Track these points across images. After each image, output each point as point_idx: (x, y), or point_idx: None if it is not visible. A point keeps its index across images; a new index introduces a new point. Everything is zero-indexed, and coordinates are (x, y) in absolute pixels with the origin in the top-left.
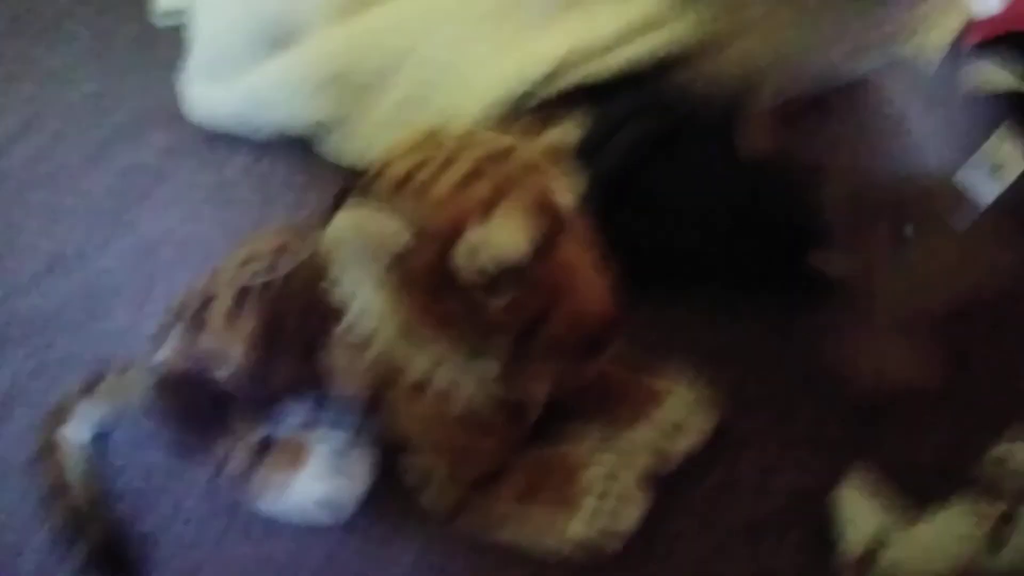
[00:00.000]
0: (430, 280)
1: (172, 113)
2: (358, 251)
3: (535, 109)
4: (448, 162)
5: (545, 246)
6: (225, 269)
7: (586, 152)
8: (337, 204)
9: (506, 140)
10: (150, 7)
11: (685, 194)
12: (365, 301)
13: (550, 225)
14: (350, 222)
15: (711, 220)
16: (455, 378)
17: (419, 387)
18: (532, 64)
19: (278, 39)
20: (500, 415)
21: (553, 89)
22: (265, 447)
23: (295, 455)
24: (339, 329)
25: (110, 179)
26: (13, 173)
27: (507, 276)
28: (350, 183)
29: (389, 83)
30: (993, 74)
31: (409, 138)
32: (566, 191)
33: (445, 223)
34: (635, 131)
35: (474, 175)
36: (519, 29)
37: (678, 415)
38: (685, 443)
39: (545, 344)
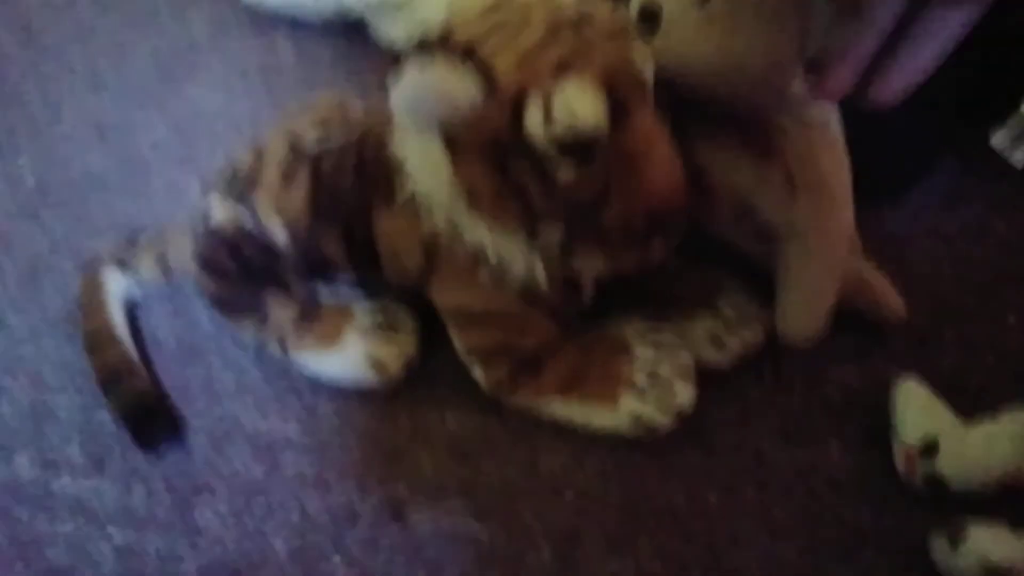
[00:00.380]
0: (499, 145)
1: None
2: (426, 111)
3: None
4: (523, 24)
5: (621, 115)
6: (279, 129)
7: None
8: (403, 65)
9: (586, 5)
10: None
11: None
12: (429, 167)
13: (628, 94)
14: (420, 79)
15: None
16: (514, 251)
17: (477, 258)
18: None
19: None
20: (555, 291)
21: None
22: (312, 306)
23: (343, 317)
24: (398, 195)
25: (155, 52)
26: (58, 44)
27: (580, 143)
28: (417, 45)
29: None
30: None
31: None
32: (645, 60)
33: (519, 84)
34: None
35: (551, 38)
36: None
37: (739, 308)
38: (746, 335)
39: (613, 218)
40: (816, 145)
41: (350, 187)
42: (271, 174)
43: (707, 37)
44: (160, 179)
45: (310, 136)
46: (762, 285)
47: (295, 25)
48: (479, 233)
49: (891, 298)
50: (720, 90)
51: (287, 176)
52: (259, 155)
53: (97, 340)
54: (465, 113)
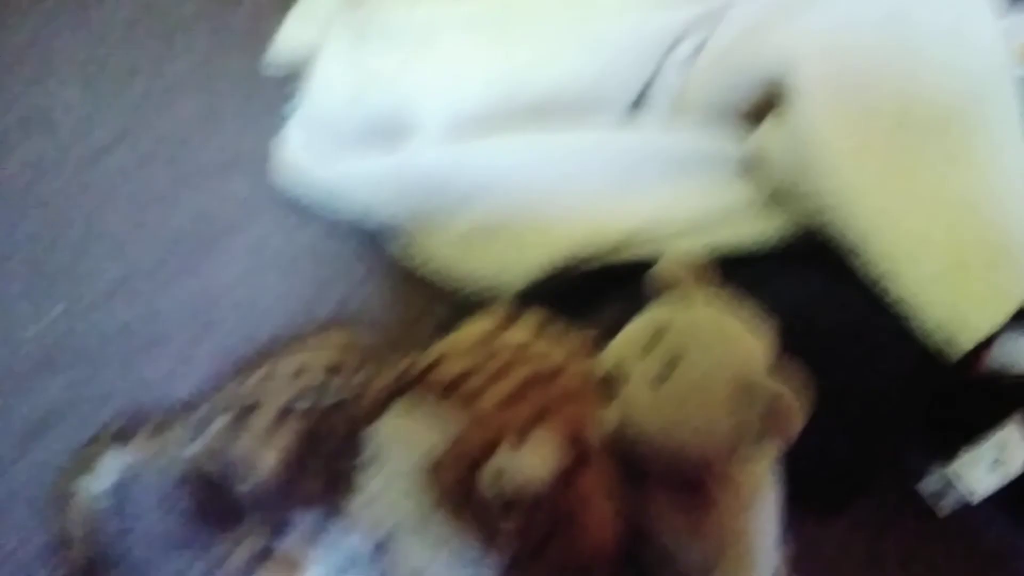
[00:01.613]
0: (454, 488)
1: (261, 159)
2: (397, 450)
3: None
4: (499, 375)
5: (568, 477)
6: (275, 376)
7: None
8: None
9: (556, 359)
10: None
11: None
12: (388, 489)
13: (577, 457)
14: (399, 426)
15: None
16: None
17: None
18: (606, 229)
19: (386, 131)
20: None
21: (615, 258)
22: (264, 556)
23: (290, 571)
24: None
25: (186, 217)
26: (97, 185)
27: (524, 501)
28: (410, 370)
29: (470, 209)
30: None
31: (470, 334)
32: (599, 424)
33: (482, 441)
34: None
35: (519, 395)
36: (625, 187)
37: None
38: None
39: (544, 567)
40: (754, 517)
41: (333, 448)
42: (261, 419)
43: (659, 414)
44: (165, 355)
45: (308, 385)
46: None
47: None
48: (424, 550)
49: None
50: (665, 455)
51: (276, 425)
52: (254, 395)
53: (64, 541)
54: (430, 461)
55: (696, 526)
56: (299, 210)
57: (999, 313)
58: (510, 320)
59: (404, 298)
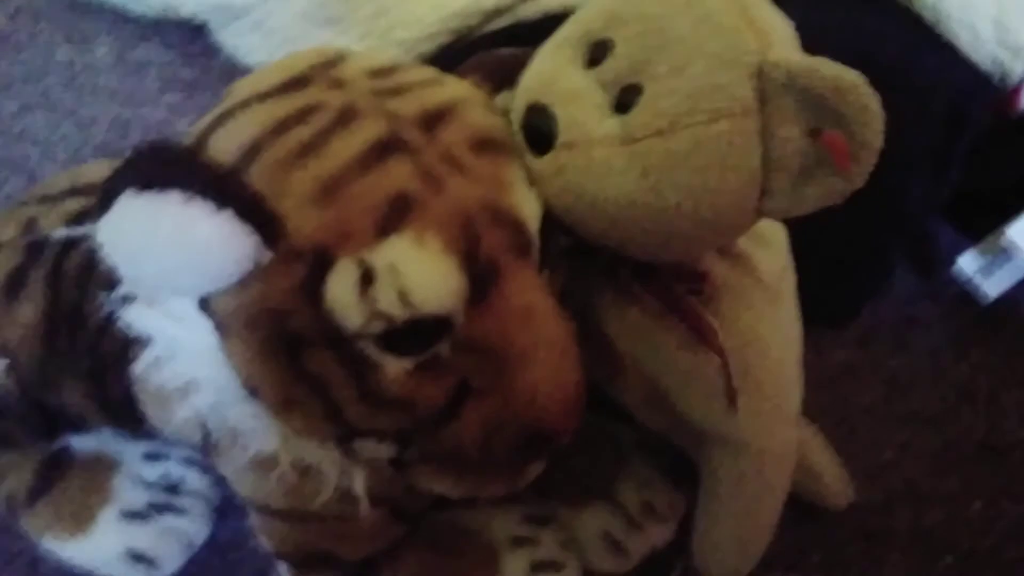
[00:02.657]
0: (286, 325)
1: None
2: (156, 270)
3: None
4: (347, 117)
5: (486, 286)
6: (28, 201)
7: None
8: (135, 173)
9: (448, 90)
10: None
11: None
12: (178, 338)
13: (497, 252)
14: (155, 217)
15: None
16: (323, 458)
17: (266, 462)
18: None
19: None
20: (378, 510)
21: (532, 11)
22: (57, 464)
23: (99, 480)
24: (137, 367)
25: None
26: None
27: (416, 331)
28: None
29: None
30: None
31: (289, 63)
32: (529, 195)
33: (323, 230)
34: None
35: (387, 148)
36: None
37: (645, 492)
38: (653, 533)
39: (467, 437)
40: (767, 323)
41: (103, 311)
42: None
43: (627, 166)
44: None
45: (73, 211)
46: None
47: (121, 18)
48: (268, 432)
49: (836, 483)
50: (640, 240)
51: (13, 284)
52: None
53: None
54: (231, 272)
55: (703, 338)
56: (94, 17)
57: None
58: (345, 54)
59: None
